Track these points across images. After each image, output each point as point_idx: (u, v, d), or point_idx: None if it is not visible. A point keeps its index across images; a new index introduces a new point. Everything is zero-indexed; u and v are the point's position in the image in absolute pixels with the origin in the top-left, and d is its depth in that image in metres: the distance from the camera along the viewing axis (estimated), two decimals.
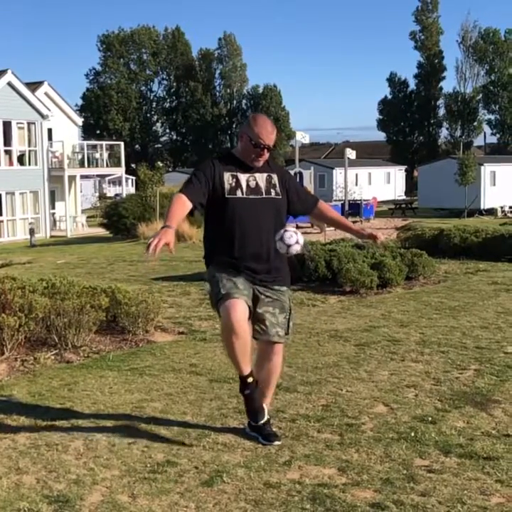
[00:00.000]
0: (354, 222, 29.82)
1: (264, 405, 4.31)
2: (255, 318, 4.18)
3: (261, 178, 4.24)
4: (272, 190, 4.25)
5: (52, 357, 6.34)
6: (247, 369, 4.12)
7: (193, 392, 5.26)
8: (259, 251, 4.16)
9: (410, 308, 8.71)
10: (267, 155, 4.20)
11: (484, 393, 5.17)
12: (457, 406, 4.89)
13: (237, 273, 4.12)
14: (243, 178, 4.20)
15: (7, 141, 29.72)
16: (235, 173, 4.18)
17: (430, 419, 4.62)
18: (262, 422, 4.26)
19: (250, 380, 4.16)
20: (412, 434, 4.34)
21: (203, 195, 4.09)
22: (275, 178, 4.29)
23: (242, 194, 4.16)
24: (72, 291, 6.93)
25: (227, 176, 4.16)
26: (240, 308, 3.95)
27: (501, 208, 35.43)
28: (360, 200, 32.60)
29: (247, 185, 4.19)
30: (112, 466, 3.96)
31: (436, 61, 62.62)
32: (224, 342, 4.10)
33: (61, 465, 3.98)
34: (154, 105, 69.83)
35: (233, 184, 4.16)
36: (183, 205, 4.01)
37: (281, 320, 4.26)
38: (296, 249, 4.05)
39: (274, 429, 4.34)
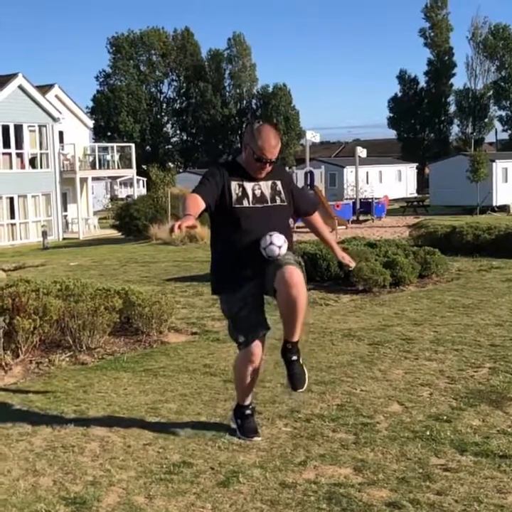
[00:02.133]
0: (366, 220, 29.81)
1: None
2: (267, 275, 4.09)
3: (266, 186, 4.24)
4: (277, 197, 4.26)
5: (67, 359, 6.37)
6: (248, 400, 4.42)
7: (208, 392, 5.27)
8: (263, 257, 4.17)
9: (423, 306, 8.69)
10: (269, 168, 4.18)
11: (499, 391, 5.15)
12: (472, 404, 4.88)
13: (240, 287, 4.16)
14: (249, 186, 4.20)
15: (19, 144, 29.84)
16: (240, 183, 4.19)
17: (445, 417, 4.61)
18: (256, 438, 4.34)
19: (248, 412, 4.41)
20: (428, 433, 4.33)
21: (213, 197, 4.11)
22: (280, 184, 4.29)
23: (249, 203, 4.18)
24: (85, 293, 6.96)
25: (234, 185, 4.17)
26: (258, 352, 4.24)
27: None
28: (372, 198, 32.51)
29: (253, 194, 4.20)
30: (127, 467, 3.98)
31: (446, 58, 62.34)
32: (236, 373, 4.40)
33: (77, 467, 4.00)
34: (164, 106, 69.92)
35: (240, 194, 4.17)
36: (198, 202, 4.03)
37: (290, 256, 4.10)
38: (278, 252, 4.06)
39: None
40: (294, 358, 4.27)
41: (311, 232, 4.68)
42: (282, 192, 4.28)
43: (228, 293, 4.25)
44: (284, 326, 4.18)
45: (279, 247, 4.05)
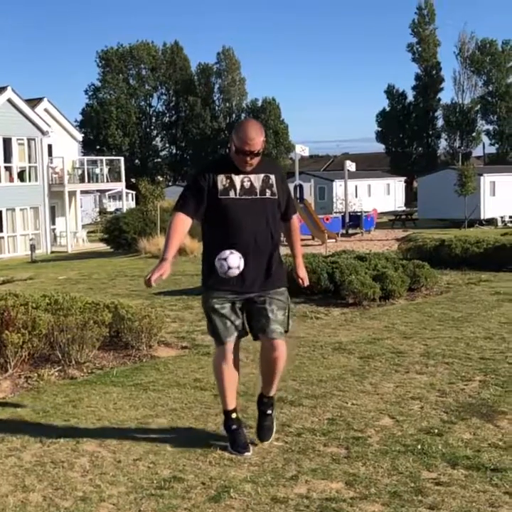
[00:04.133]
0: (355, 234, 29.90)
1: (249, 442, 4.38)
2: (254, 318, 4.26)
3: (257, 179, 4.21)
4: (267, 190, 4.21)
5: (56, 373, 6.33)
6: (231, 404, 4.35)
7: (198, 407, 5.25)
8: (252, 251, 4.16)
9: (413, 319, 8.70)
10: (253, 160, 4.14)
11: (490, 404, 5.16)
12: (463, 418, 4.88)
13: (225, 300, 4.21)
14: (238, 178, 4.18)
15: (7, 158, 29.80)
16: (229, 175, 4.17)
17: (436, 431, 4.61)
18: (247, 453, 4.29)
19: (234, 415, 4.36)
20: (419, 447, 4.33)
21: (198, 208, 4.17)
22: (273, 178, 4.25)
23: (235, 195, 4.15)
24: (74, 307, 6.93)
25: (221, 178, 4.16)
26: (229, 354, 4.24)
27: (501, 217, 35.46)
28: (361, 211, 32.62)
29: (242, 186, 4.17)
30: (118, 482, 3.95)
31: (434, 72, 62.84)
32: (214, 374, 4.39)
33: (67, 482, 3.97)
34: (154, 120, 70.04)
35: (227, 185, 4.16)
36: (181, 226, 4.17)
37: (280, 317, 4.26)
38: (233, 272, 4.05)
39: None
40: (269, 411, 4.47)
41: (284, 235, 4.55)
42: (274, 186, 4.24)
43: (212, 288, 4.24)
44: (262, 381, 4.47)
45: (230, 268, 4.00)
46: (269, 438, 4.45)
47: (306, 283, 4.61)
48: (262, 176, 4.22)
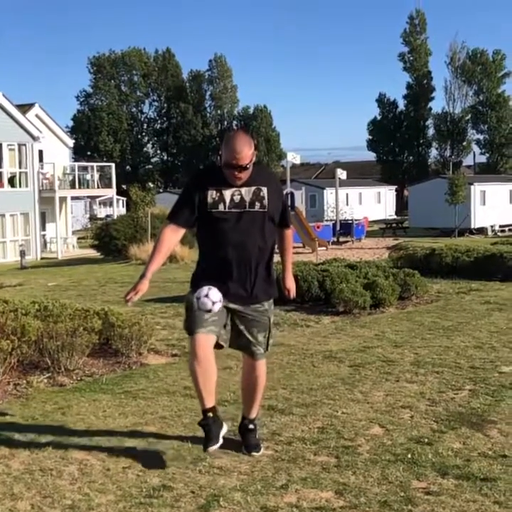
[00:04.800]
0: (346, 242, 29.94)
1: (221, 438, 4.19)
2: (235, 331, 4.26)
3: (247, 192, 4.16)
4: (257, 203, 4.16)
5: (45, 380, 6.30)
6: (208, 402, 4.12)
7: (188, 415, 5.22)
8: (239, 264, 4.16)
9: (404, 328, 8.71)
10: (242, 174, 4.08)
11: (480, 414, 5.16)
12: (453, 427, 4.88)
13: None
14: (228, 192, 4.15)
15: None
16: (219, 188, 4.14)
17: (426, 440, 4.61)
18: (211, 447, 4.13)
19: (210, 414, 4.14)
20: (409, 456, 4.33)
21: (189, 214, 4.18)
22: (265, 190, 4.19)
23: (225, 208, 4.13)
24: (64, 314, 6.90)
25: (211, 191, 4.14)
26: (203, 344, 4.04)
27: (491, 227, 35.61)
28: (352, 219, 32.68)
29: (231, 199, 4.15)
30: (107, 491, 3.92)
31: (425, 82, 63.13)
32: (189, 371, 4.18)
33: (56, 490, 3.94)
34: (145, 126, 70.05)
35: (216, 198, 4.14)
36: (169, 238, 4.20)
37: (261, 339, 4.29)
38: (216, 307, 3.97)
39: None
40: (251, 426, 4.48)
41: (277, 244, 4.48)
42: (266, 198, 4.18)
43: (200, 286, 4.17)
44: (243, 401, 4.56)
45: (214, 303, 3.91)
46: (257, 451, 4.41)
47: (293, 295, 4.59)
48: (253, 188, 4.17)
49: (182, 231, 4.22)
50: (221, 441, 4.17)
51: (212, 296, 3.94)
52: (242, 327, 4.25)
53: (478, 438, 4.67)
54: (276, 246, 4.44)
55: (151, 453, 4.45)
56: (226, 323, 4.20)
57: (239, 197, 4.15)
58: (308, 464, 4.24)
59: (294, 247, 24.75)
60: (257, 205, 4.17)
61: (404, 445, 4.53)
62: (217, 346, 4.18)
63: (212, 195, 4.13)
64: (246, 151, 4.01)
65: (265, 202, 4.18)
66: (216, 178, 4.15)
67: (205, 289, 3.96)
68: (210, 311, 3.95)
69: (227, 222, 4.13)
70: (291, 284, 4.59)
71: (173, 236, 4.21)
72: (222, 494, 3.83)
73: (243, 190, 4.15)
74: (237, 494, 3.83)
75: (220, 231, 4.14)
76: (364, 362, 6.88)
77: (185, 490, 3.90)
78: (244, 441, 4.46)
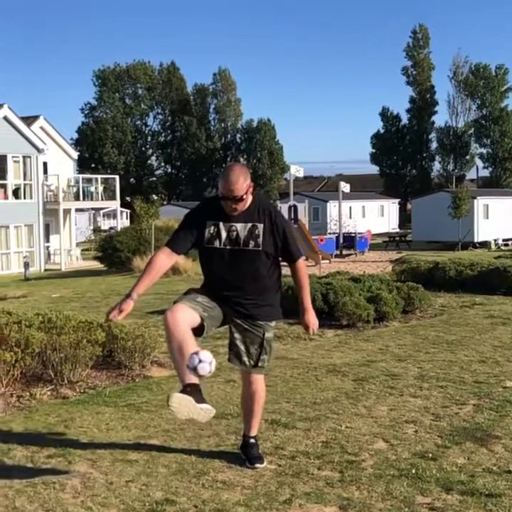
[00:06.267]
0: (349, 255, 29.93)
1: (201, 406, 3.78)
2: (230, 340, 4.40)
3: (243, 229, 4.22)
4: (251, 241, 4.21)
5: (49, 393, 6.28)
6: (187, 379, 3.80)
7: (191, 428, 5.20)
8: (235, 292, 4.25)
9: (407, 342, 8.69)
10: (238, 205, 4.15)
11: (484, 429, 5.14)
12: (457, 442, 4.86)
13: (213, 297, 4.28)
14: (225, 227, 4.23)
15: (2, 175, 29.79)
16: (217, 222, 4.23)
17: (431, 455, 4.59)
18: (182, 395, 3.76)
19: (189, 389, 3.78)
20: (413, 471, 4.30)
21: (188, 242, 4.29)
22: (260, 228, 4.21)
23: (220, 244, 4.24)
24: (68, 326, 6.88)
25: (209, 225, 4.25)
26: (179, 311, 4.04)
27: (495, 240, 35.60)
28: (355, 233, 32.69)
29: (228, 236, 4.23)
30: (109, 504, 3.90)
31: (428, 96, 63.34)
32: (166, 337, 4.09)
33: (58, 504, 3.92)
34: (149, 139, 70.18)
35: (214, 233, 4.24)
36: (161, 263, 4.26)
37: (253, 351, 4.34)
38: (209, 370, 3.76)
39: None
40: (252, 441, 4.52)
41: (292, 277, 4.45)
42: (261, 237, 4.21)
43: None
44: (243, 421, 4.60)
45: (210, 363, 3.73)
46: (261, 463, 4.41)
47: (315, 329, 4.57)
48: (249, 225, 4.22)
49: (176, 257, 4.32)
50: (201, 406, 3.75)
51: (204, 358, 3.73)
52: (236, 335, 4.35)
53: (482, 453, 4.64)
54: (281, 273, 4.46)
55: (153, 466, 4.43)
56: (216, 317, 4.23)
57: (235, 233, 4.22)
58: (312, 479, 4.22)
59: None
60: (251, 243, 4.22)
61: (408, 460, 4.51)
62: (199, 331, 4.09)
63: (209, 230, 4.24)
64: (241, 183, 4.10)
65: (260, 240, 4.22)
66: (216, 210, 4.25)
67: (194, 357, 3.72)
68: (210, 371, 3.74)
69: (221, 258, 4.25)
70: (309, 318, 4.50)
71: (166, 260, 4.28)
72: (225, 509, 3.81)
73: (239, 226, 4.22)
74: (240, 509, 3.81)
75: (214, 263, 4.28)
76: (368, 376, 6.86)
77: (188, 504, 3.88)
78: (247, 455, 4.48)
